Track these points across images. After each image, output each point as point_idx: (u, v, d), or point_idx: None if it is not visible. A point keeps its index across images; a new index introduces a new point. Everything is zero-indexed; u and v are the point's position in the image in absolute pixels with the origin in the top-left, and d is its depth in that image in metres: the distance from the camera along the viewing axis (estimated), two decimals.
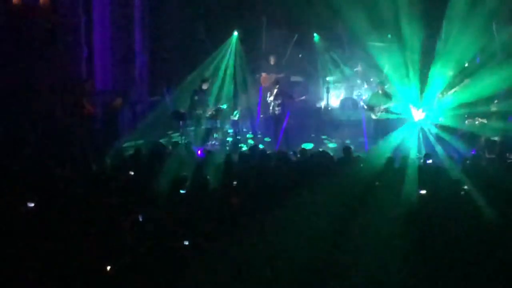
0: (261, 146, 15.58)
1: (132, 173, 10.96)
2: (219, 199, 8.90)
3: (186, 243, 7.32)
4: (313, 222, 7.75)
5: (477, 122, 15.65)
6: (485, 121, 15.54)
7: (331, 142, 17.40)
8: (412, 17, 17.38)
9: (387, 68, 18.33)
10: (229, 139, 17.34)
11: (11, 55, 14.50)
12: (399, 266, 6.81)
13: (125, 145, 15.24)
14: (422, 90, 16.86)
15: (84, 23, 15.88)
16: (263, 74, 19.41)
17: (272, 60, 19.31)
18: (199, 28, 19.47)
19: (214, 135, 17.06)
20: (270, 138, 17.32)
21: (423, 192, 9.65)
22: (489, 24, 17.31)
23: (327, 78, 19.82)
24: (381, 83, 16.81)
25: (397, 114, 16.42)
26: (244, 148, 16.16)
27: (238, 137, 17.18)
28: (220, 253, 6.96)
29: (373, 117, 16.37)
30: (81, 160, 11.46)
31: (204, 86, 16.94)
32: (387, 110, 16.24)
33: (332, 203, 8.39)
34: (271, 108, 17.00)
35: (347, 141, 16.72)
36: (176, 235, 7.50)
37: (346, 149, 12.94)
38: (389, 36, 19.08)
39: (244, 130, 18.24)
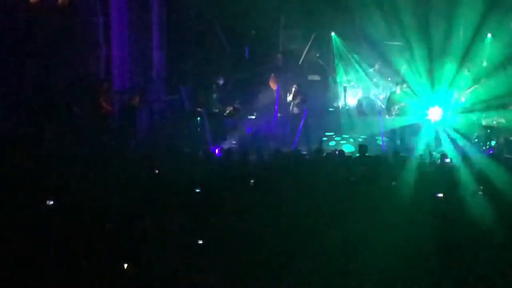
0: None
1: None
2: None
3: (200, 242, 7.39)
4: (324, 224, 7.78)
5: (494, 122, 15.54)
6: (503, 120, 15.41)
7: (347, 141, 17.33)
8: (429, 17, 17.34)
9: (404, 68, 18.23)
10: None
11: (30, 55, 14.59)
12: (417, 267, 6.80)
13: None
14: (438, 90, 16.79)
15: (101, 22, 15.95)
16: (272, 77, 19.40)
17: (279, 60, 19.30)
18: (216, 27, 19.49)
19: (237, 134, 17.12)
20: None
21: (440, 195, 9.54)
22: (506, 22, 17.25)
23: (344, 77, 19.77)
24: (399, 83, 16.74)
25: (412, 115, 16.33)
26: None
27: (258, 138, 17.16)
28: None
29: (390, 116, 16.29)
30: (98, 158, 11.53)
31: (221, 81, 17.07)
32: (402, 110, 16.18)
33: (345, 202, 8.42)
34: (290, 107, 17.09)
35: (364, 141, 16.63)
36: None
37: (361, 148, 12.87)
38: (407, 35, 19.02)
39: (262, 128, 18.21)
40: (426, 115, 16.58)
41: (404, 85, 16.73)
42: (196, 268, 6.80)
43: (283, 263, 6.86)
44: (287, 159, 12.22)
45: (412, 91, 16.97)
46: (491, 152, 14.01)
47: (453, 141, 15.26)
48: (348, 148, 16.53)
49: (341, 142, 17.34)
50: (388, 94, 17.46)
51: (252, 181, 10.15)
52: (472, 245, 7.24)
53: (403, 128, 16.19)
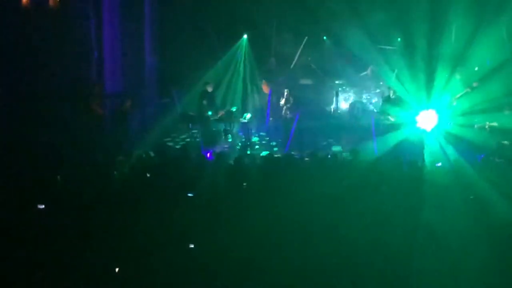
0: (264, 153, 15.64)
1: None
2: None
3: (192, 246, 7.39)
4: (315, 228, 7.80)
5: (487, 126, 15.55)
6: (495, 124, 15.43)
7: (337, 145, 17.33)
8: (421, 21, 17.39)
9: (396, 72, 18.26)
10: (238, 142, 17.34)
11: (20, 58, 14.52)
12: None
13: None
14: (430, 94, 16.81)
15: (94, 25, 15.91)
16: (264, 81, 19.42)
17: (272, 63, 19.42)
18: (209, 30, 19.51)
19: (228, 138, 17.08)
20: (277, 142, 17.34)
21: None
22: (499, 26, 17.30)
23: (336, 82, 19.81)
24: (392, 87, 16.77)
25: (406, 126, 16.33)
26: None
27: (248, 142, 17.12)
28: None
29: (387, 121, 16.33)
30: (90, 163, 11.46)
31: (209, 89, 17.05)
32: (396, 118, 16.22)
33: (337, 206, 8.42)
34: (282, 111, 17.15)
35: (356, 145, 16.62)
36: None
37: (354, 152, 12.89)
38: (399, 39, 19.07)
39: (253, 132, 18.21)
40: (419, 122, 16.56)
41: (397, 89, 16.77)
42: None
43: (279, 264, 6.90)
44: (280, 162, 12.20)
45: (405, 95, 17.00)
46: (482, 156, 14.00)
47: (446, 145, 15.24)
48: (337, 148, 16.59)
49: (333, 143, 17.35)
50: (382, 99, 17.49)
51: (244, 184, 10.14)
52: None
53: (397, 132, 16.19)
